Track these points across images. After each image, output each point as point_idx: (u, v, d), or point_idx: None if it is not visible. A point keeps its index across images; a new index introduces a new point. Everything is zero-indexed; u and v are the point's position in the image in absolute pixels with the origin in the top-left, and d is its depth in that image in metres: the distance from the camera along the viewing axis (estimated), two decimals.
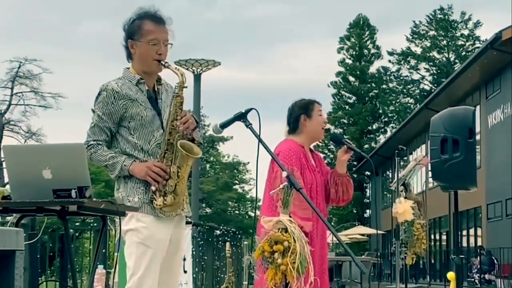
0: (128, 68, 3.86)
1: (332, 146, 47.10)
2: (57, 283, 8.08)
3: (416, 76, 50.76)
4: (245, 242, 16.76)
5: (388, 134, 45.99)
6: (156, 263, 3.66)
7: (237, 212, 53.81)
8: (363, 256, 20.93)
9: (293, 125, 4.73)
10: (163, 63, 3.76)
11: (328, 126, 4.78)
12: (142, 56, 3.77)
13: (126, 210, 3.60)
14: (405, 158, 30.23)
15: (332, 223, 43.85)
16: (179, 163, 3.68)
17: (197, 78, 18.17)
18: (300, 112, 4.70)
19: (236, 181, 53.26)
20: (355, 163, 47.53)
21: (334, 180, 4.72)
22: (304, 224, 4.30)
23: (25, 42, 57.25)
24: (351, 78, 51.59)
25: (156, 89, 3.86)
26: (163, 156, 3.70)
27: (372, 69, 51.63)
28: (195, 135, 3.80)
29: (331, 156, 47.47)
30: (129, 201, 3.68)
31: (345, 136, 4.82)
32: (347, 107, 51.55)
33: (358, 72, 51.08)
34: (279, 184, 4.27)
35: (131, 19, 3.81)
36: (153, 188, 3.67)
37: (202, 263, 11.82)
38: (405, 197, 7.09)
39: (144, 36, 3.75)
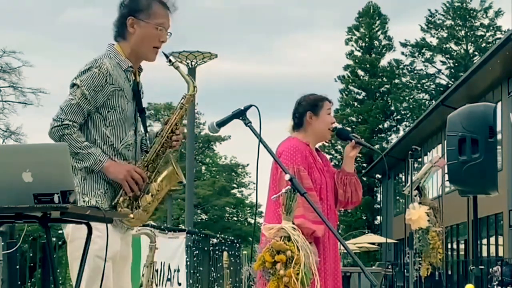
0: (113, 45, 3.72)
1: (339, 146, 47.16)
2: None
3: (431, 70, 50.86)
4: (244, 252, 16.79)
5: (401, 133, 46.03)
6: (110, 279, 3.54)
7: (235, 218, 53.83)
8: (373, 267, 21.00)
9: (298, 121, 4.72)
10: (173, 61, 3.67)
11: (336, 125, 4.75)
12: (143, 39, 3.67)
13: (114, 217, 3.55)
14: (420, 159, 30.21)
15: (340, 231, 43.86)
16: (162, 180, 3.63)
17: (192, 72, 18.18)
18: (307, 108, 4.69)
19: (235, 185, 53.27)
20: (364, 165, 47.68)
21: (341, 180, 4.72)
22: (316, 228, 4.29)
23: (2, 31, 57.33)
24: (360, 72, 51.62)
25: (138, 80, 3.79)
26: (145, 166, 3.64)
27: (383, 62, 51.76)
28: None
29: (339, 157, 47.54)
30: (83, 201, 3.56)
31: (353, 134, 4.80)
32: (356, 103, 51.59)
33: (368, 66, 51.12)
34: (285, 185, 4.28)
35: None
36: (120, 199, 3.59)
37: (197, 274, 11.83)
38: (420, 203, 7.10)
39: (152, 17, 3.67)
